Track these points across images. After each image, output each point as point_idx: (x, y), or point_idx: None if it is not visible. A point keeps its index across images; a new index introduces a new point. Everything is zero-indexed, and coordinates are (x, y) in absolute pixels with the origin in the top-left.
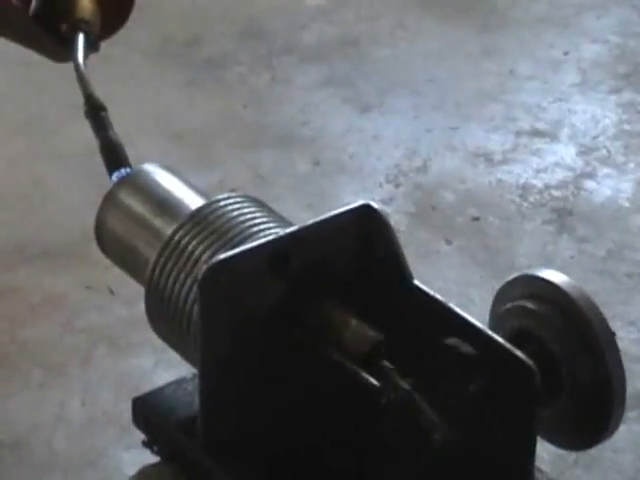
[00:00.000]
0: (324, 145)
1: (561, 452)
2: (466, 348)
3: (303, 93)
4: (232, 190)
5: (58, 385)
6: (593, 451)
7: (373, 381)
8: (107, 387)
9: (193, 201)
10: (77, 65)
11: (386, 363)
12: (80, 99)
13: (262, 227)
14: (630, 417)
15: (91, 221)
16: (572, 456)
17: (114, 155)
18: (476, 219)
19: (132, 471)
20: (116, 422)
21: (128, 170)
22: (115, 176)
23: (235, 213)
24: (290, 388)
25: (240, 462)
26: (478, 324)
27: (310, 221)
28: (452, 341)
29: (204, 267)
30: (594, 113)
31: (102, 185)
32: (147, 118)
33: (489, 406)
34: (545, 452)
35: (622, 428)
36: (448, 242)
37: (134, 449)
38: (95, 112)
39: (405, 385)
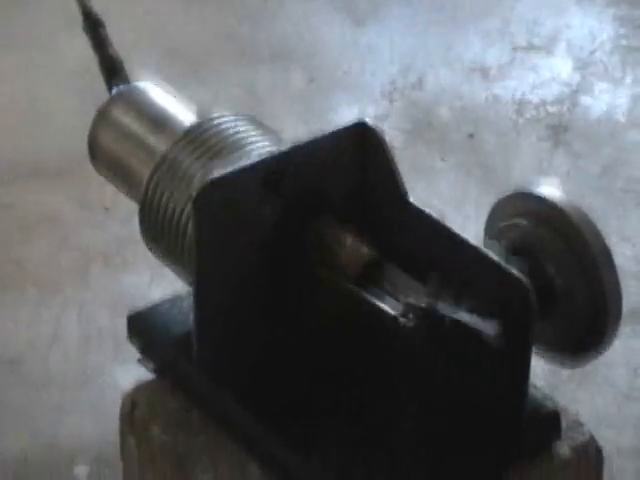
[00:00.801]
0: (319, 61)
1: (555, 368)
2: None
3: (297, 7)
4: (227, 106)
5: (54, 303)
6: (587, 366)
7: (371, 299)
8: (102, 304)
9: (187, 119)
10: None
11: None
12: (75, 15)
13: (257, 145)
14: (624, 333)
15: (85, 138)
16: (566, 371)
17: (114, 71)
18: (471, 135)
19: (127, 387)
20: (112, 339)
21: (126, 85)
22: (115, 92)
23: (230, 131)
24: (285, 306)
25: (234, 378)
26: (472, 241)
27: (305, 139)
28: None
29: (198, 184)
30: (591, 27)
31: (97, 102)
32: (141, 34)
33: (483, 323)
34: (539, 368)
35: (616, 343)
36: (443, 158)
37: (130, 365)
38: (94, 28)
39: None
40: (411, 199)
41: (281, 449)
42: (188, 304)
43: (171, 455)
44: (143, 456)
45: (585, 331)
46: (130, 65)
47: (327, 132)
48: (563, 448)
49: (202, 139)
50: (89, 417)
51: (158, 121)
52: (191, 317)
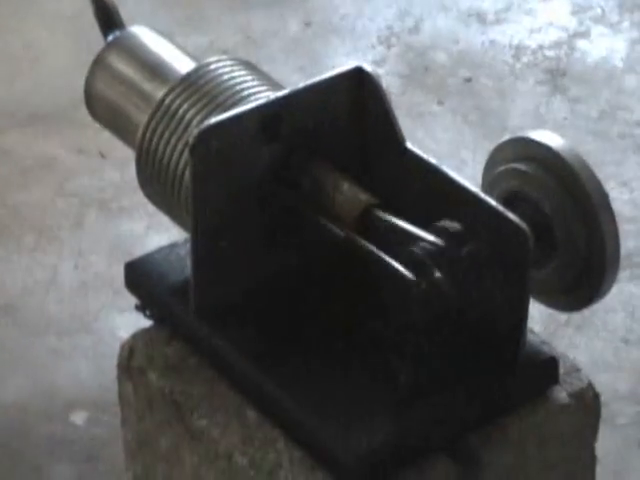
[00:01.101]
0: (315, 5)
1: (552, 312)
2: (454, 227)
3: None
4: (223, 52)
5: (50, 249)
6: (585, 311)
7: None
8: (99, 251)
9: (184, 64)
10: None
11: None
12: None
13: (253, 90)
14: (622, 277)
15: (81, 84)
16: (564, 316)
17: (109, 17)
18: (468, 80)
19: (125, 334)
20: (109, 286)
21: (122, 31)
22: (111, 38)
23: (226, 76)
24: (283, 253)
25: (232, 325)
26: (471, 187)
27: (302, 84)
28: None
29: (195, 131)
30: None
31: (92, 48)
32: None
33: (482, 268)
34: (536, 312)
35: (613, 288)
36: (440, 103)
37: (127, 313)
38: None
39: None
40: (409, 144)
41: (277, 394)
42: (185, 251)
43: (168, 402)
44: (140, 402)
45: (584, 275)
46: (123, 11)
47: (324, 77)
48: (561, 393)
49: (198, 85)
50: (87, 363)
51: (154, 67)
52: (188, 263)
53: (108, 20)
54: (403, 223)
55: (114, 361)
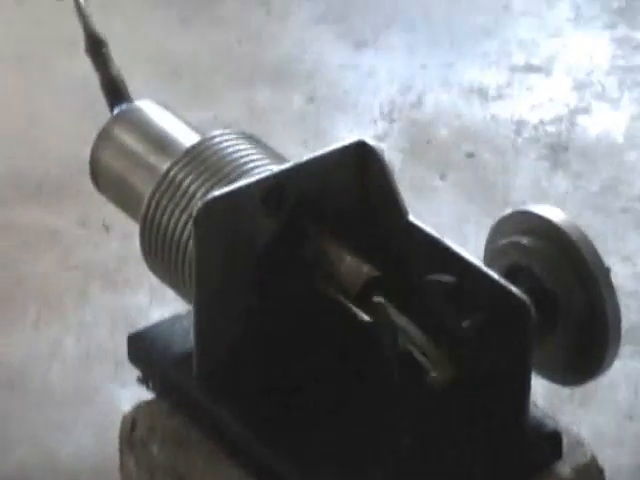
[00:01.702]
0: (319, 81)
1: (556, 387)
2: (445, 278)
3: (297, 28)
4: (227, 126)
5: (53, 321)
6: (588, 386)
7: (365, 317)
8: (102, 323)
9: (188, 137)
10: (77, 1)
11: (380, 299)
12: (75, 34)
13: (257, 163)
14: (625, 352)
15: (86, 156)
16: (567, 391)
17: (116, 90)
18: (471, 155)
19: (127, 407)
20: (111, 358)
21: (128, 105)
22: (117, 111)
23: (230, 149)
24: (285, 323)
25: (234, 397)
26: (473, 260)
27: (305, 157)
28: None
29: (199, 203)
30: (588, 48)
31: (97, 121)
32: (141, 56)
33: (484, 342)
34: (540, 387)
35: (617, 363)
36: (443, 177)
37: (129, 385)
38: (96, 48)
39: (401, 321)
40: (411, 217)
41: (279, 466)
42: (188, 323)
43: (170, 474)
44: (142, 475)
45: (585, 349)
46: (129, 87)
47: (327, 150)
48: (564, 468)
49: (203, 157)
50: (89, 435)
51: (159, 140)
52: (191, 336)
53: (115, 92)
54: (399, 317)
55: (116, 433)
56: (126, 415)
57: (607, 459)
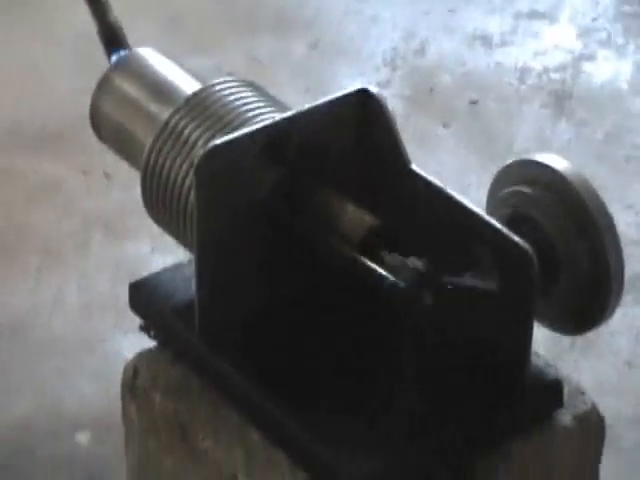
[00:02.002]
0: (321, 28)
1: (556, 335)
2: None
3: None
4: (228, 75)
5: (55, 270)
6: (589, 334)
7: (368, 263)
8: (104, 272)
9: (189, 85)
10: None
11: (384, 252)
12: None
13: (259, 111)
14: (626, 300)
15: (87, 106)
16: (568, 340)
17: (114, 37)
18: (474, 102)
19: (129, 355)
20: (113, 307)
21: (128, 52)
22: (115, 58)
23: (232, 97)
24: (287, 273)
25: (235, 346)
26: (475, 208)
27: (307, 105)
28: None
29: (200, 152)
30: None
31: (97, 69)
32: (141, 3)
33: (487, 291)
34: (541, 335)
35: (618, 312)
36: (446, 126)
37: (131, 334)
38: None
39: (412, 265)
40: (413, 166)
41: (280, 416)
42: (189, 272)
43: (172, 422)
44: (144, 423)
45: (588, 299)
46: (129, 35)
47: (329, 98)
48: (565, 417)
49: (204, 106)
50: (91, 383)
51: (160, 88)
52: (193, 284)
53: (112, 40)
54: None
55: (118, 381)
56: (128, 363)
57: (608, 407)
